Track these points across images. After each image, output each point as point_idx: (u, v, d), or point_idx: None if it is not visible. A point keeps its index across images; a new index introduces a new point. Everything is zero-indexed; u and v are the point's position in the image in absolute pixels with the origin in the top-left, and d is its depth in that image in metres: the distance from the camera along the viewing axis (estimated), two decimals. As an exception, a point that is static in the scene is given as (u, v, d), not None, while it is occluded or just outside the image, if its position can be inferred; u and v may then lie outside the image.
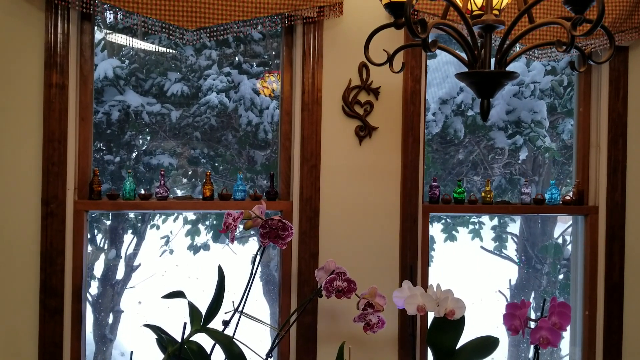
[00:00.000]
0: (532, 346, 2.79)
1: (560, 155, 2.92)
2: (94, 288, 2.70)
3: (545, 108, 2.87)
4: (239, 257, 2.86)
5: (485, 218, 3.18)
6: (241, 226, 1.74)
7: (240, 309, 1.73)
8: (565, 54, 2.25)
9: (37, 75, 1.94)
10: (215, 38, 2.00)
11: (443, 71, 2.86)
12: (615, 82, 2.36)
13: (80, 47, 2.04)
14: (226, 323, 1.71)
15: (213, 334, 1.65)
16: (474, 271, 3.22)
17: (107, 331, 2.69)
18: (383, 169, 2.21)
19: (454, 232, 3.16)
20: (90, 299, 2.65)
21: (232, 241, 1.68)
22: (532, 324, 1.77)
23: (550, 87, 2.87)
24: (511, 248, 3.19)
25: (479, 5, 1.55)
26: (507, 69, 1.47)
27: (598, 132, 2.40)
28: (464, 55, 1.50)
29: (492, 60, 1.47)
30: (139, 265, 2.79)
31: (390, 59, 1.55)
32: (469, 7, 1.52)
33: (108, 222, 2.81)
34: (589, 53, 1.49)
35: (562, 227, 3.11)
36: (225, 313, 1.73)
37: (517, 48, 2.17)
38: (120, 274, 2.76)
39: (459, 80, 1.52)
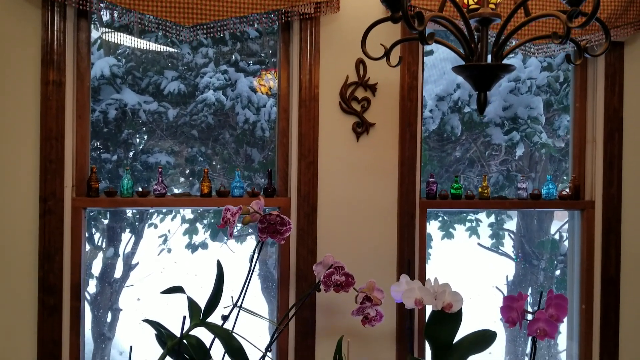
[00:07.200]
0: (529, 341, 2.81)
1: (557, 151, 2.93)
2: (92, 286, 2.70)
3: (542, 104, 2.89)
4: (237, 256, 2.87)
5: (482, 215, 3.19)
6: (239, 225, 1.74)
7: (239, 303, 1.73)
8: (561, 49, 2.26)
9: (34, 73, 1.94)
10: (212, 35, 2.00)
11: (440, 68, 2.88)
12: (611, 78, 2.37)
13: (77, 45, 2.04)
14: (225, 318, 1.71)
15: (212, 328, 1.66)
16: (471, 268, 3.23)
17: (106, 329, 2.69)
18: (380, 165, 2.22)
19: (451, 230, 3.17)
20: (88, 297, 2.65)
21: (230, 236, 1.69)
22: (530, 316, 1.78)
23: (547, 83, 2.88)
24: (508, 245, 3.21)
25: (475, -1, 1.56)
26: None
27: (594, 127, 2.42)
28: (460, 49, 1.51)
29: (489, 54, 1.48)
30: (137, 263, 2.79)
31: (387, 53, 1.56)
32: (465, 0, 1.53)
33: (106, 221, 2.81)
34: (585, 48, 1.50)
35: (559, 224, 3.12)
36: (224, 308, 1.73)
37: (514, 42, 2.18)
38: (118, 273, 2.76)
39: (456, 74, 1.53)
